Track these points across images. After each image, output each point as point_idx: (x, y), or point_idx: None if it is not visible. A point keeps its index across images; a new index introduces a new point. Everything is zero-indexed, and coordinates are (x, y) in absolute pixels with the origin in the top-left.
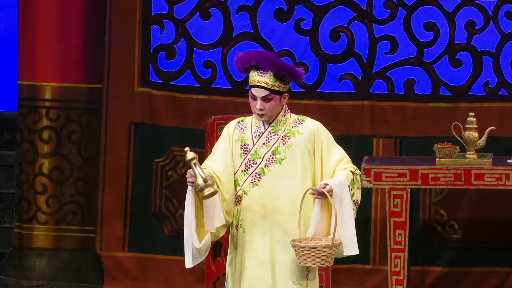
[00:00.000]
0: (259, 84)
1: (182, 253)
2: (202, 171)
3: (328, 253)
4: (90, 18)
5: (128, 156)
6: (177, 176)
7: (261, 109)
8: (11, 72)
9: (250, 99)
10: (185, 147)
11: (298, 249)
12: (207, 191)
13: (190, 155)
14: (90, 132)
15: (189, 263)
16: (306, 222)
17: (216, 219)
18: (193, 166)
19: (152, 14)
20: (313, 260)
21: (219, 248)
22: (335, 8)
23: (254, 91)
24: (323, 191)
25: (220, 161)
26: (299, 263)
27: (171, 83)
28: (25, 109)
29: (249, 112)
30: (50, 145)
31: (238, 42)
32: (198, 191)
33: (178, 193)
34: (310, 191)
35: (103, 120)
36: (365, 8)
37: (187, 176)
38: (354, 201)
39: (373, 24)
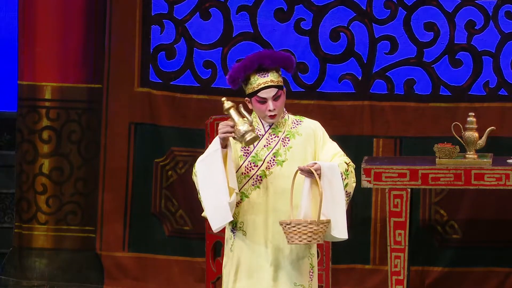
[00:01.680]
0: (266, 85)
1: (182, 253)
2: (247, 114)
3: (314, 229)
4: (90, 18)
5: (128, 156)
6: (177, 176)
7: (274, 109)
8: (11, 72)
9: (257, 105)
10: (222, 98)
11: (285, 226)
12: (249, 136)
13: (228, 103)
14: (90, 132)
15: (219, 222)
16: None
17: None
18: (234, 113)
19: (152, 14)
20: (300, 237)
21: (219, 248)
22: (335, 8)
23: (263, 93)
24: (310, 169)
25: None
26: (288, 242)
27: (171, 83)
28: (25, 109)
29: (249, 113)
30: (50, 145)
31: (238, 42)
32: (239, 137)
33: (178, 193)
34: (300, 171)
35: (103, 120)
36: (365, 8)
37: (221, 128)
38: (346, 192)
39: (373, 24)
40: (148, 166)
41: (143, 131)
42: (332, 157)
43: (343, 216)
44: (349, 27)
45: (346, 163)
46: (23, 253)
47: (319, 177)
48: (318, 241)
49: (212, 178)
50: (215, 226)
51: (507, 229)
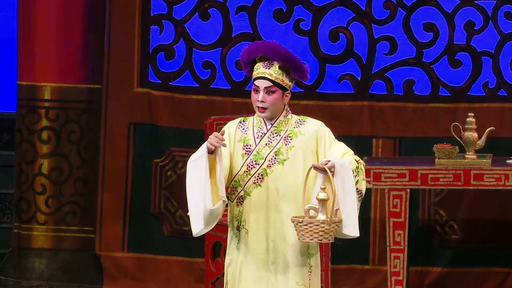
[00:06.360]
0: (263, 75)
1: (181, 253)
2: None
3: (326, 229)
4: (90, 19)
5: (128, 156)
6: (177, 176)
7: (262, 101)
8: (11, 72)
9: (252, 93)
10: (321, 186)
11: (297, 224)
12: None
13: (324, 194)
14: (90, 133)
15: (198, 228)
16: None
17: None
18: (324, 206)
19: (152, 15)
20: (311, 235)
21: (218, 249)
22: (335, 8)
23: (257, 82)
24: (324, 167)
25: (226, 155)
26: (299, 239)
27: (170, 83)
28: (24, 109)
29: (248, 113)
30: (49, 146)
31: (237, 43)
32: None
33: (178, 194)
34: (314, 168)
35: (103, 120)
36: (364, 9)
37: (211, 138)
38: (358, 190)
39: (372, 24)
40: (147, 167)
41: (143, 132)
42: (342, 156)
43: (355, 214)
44: (349, 28)
45: (356, 160)
46: (23, 254)
47: (333, 175)
48: (329, 240)
49: (196, 184)
50: (194, 232)
51: (506, 229)
